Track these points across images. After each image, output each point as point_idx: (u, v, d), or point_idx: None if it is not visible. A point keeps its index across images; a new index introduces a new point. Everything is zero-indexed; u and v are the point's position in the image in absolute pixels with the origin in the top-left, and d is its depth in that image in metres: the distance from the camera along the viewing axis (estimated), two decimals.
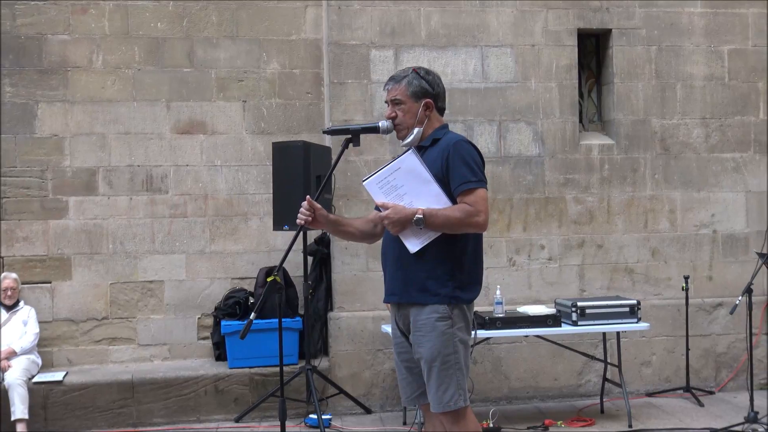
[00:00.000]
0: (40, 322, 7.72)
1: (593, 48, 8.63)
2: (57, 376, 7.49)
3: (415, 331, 4.35)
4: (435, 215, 4.20)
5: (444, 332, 4.28)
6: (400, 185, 4.26)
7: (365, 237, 4.64)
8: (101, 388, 7.48)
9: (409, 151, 4.28)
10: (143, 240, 8.12)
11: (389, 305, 4.60)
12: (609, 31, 8.31)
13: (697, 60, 8.40)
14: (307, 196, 4.37)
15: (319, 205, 4.36)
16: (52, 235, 7.98)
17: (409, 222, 4.21)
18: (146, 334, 8.12)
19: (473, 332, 4.54)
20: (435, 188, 4.24)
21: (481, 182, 4.29)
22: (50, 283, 7.99)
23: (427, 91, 4.44)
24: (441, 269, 4.29)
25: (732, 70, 8.46)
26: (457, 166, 4.25)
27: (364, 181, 4.35)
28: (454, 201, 4.27)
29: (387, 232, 4.41)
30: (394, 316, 4.54)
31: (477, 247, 4.42)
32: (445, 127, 4.52)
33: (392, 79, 4.52)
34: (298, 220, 4.35)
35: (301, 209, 4.33)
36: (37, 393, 7.30)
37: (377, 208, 4.48)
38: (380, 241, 4.71)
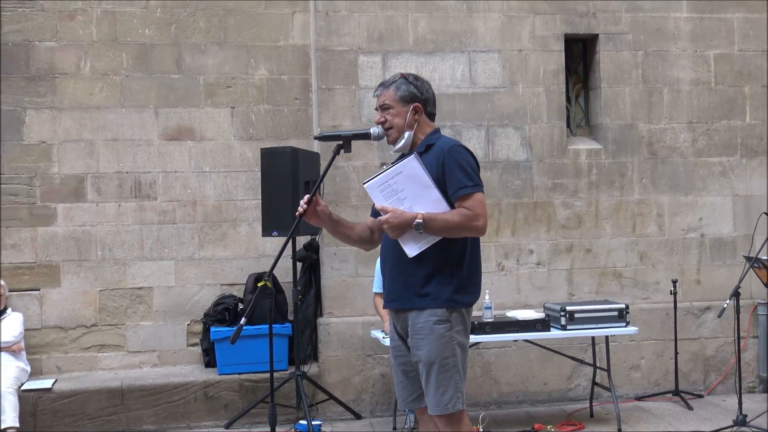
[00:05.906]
0: (28, 330, 7.75)
1: (580, 53, 8.66)
2: (46, 383, 7.47)
3: (413, 335, 4.35)
4: (434, 219, 4.20)
5: (442, 335, 4.29)
6: (401, 189, 4.25)
7: (362, 242, 4.65)
8: (90, 395, 7.46)
9: (411, 156, 4.26)
10: (132, 246, 8.11)
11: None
12: (596, 36, 8.35)
13: (683, 65, 8.44)
14: (306, 196, 4.38)
15: (323, 202, 4.39)
16: (40, 242, 7.96)
17: (408, 226, 4.21)
18: (135, 341, 8.10)
19: None
20: (435, 193, 4.23)
21: (478, 186, 4.30)
22: (39, 290, 7.97)
23: (416, 96, 4.46)
24: (440, 273, 4.30)
25: (718, 75, 8.50)
26: (453, 171, 4.26)
27: (365, 183, 4.33)
28: (452, 206, 4.27)
29: (386, 237, 4.42)
30: (392, 320, 4.54)
31: (474, 251, 4.43)
32: (437, 132, 4.53)
33: (381, 85, 4.55)
34: (296, 213, 4.35)
35: (301, 203, 4.34)
36: (27, 400, 7.27)
37: (374, 214, 4.48)
38: (371, 248, 4.74)
